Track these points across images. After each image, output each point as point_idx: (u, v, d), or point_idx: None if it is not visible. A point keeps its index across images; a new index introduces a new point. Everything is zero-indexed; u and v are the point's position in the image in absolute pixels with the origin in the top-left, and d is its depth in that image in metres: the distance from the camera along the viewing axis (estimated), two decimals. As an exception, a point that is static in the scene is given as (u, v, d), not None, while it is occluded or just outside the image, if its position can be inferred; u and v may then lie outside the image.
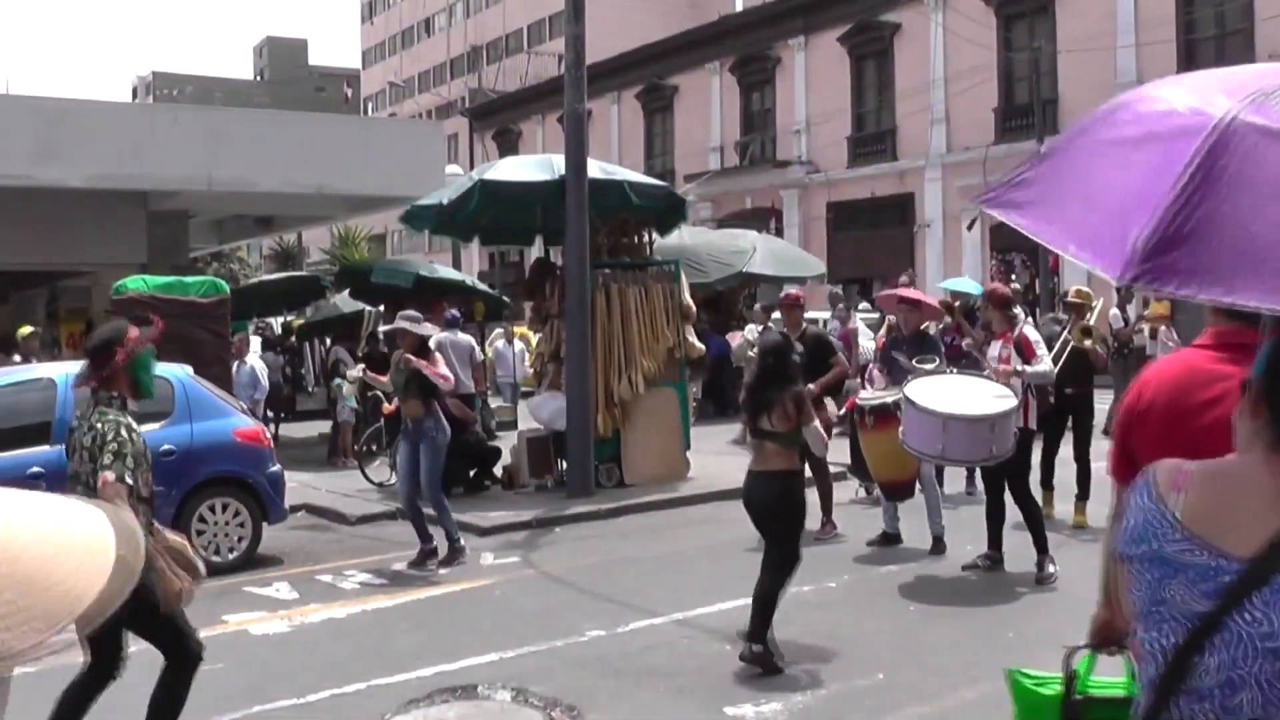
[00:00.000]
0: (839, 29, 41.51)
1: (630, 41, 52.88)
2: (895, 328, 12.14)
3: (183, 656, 5.84)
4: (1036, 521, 9.78)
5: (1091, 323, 12.24)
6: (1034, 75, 32.97)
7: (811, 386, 11.23)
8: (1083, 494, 11.68)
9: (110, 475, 5.48)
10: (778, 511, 7.64)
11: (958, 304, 13.27)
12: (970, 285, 17.63)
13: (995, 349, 10.22)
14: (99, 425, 5.63)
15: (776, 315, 19.78)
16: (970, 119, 36.76)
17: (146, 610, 5.40)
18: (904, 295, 11.86)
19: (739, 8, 52.11)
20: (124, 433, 5.62)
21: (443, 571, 10.70)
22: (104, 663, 5.68)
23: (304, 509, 13.92)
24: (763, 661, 7.24)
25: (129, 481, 5.54)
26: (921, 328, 11.40)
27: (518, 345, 24.57)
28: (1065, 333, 12.10)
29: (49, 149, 19.23)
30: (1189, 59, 31.43)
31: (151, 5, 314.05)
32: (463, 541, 11.10)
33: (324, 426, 19.95)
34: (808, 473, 11.57)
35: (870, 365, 13.00)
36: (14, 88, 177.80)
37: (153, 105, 79.37)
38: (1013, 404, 9.48)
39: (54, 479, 10.13)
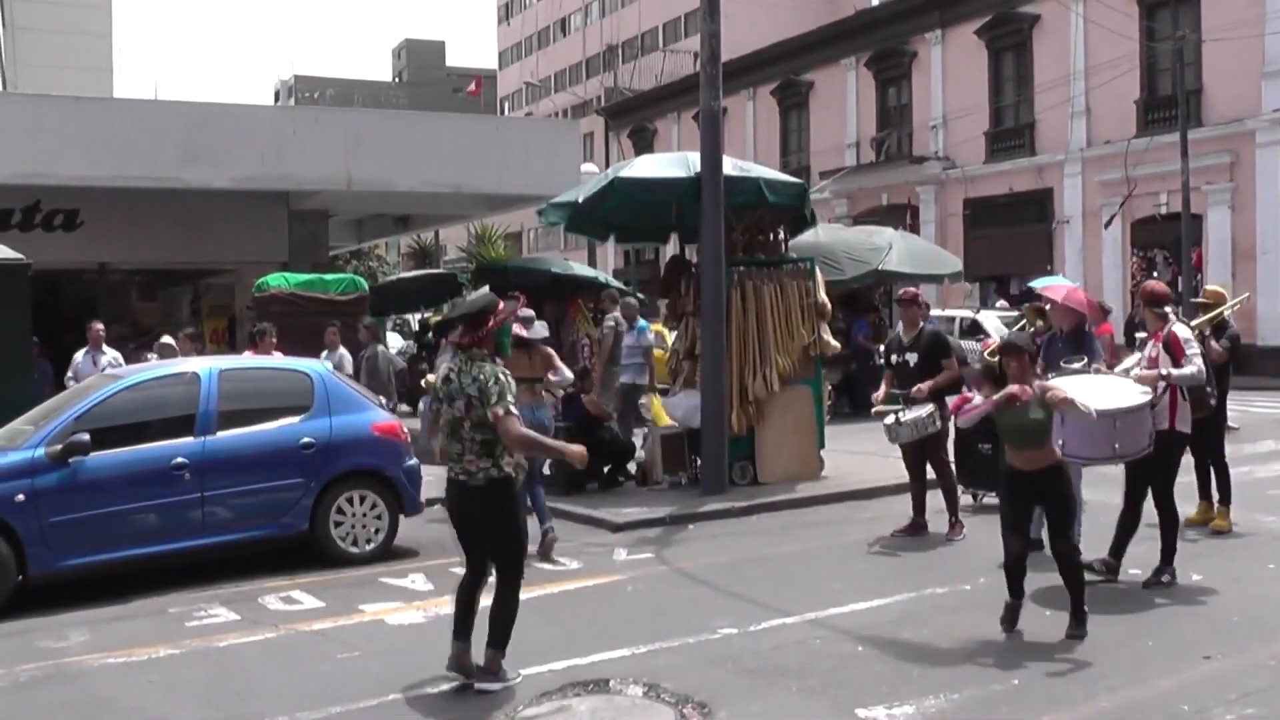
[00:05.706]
0: (976, 22, 40.89)
1: (765, 38, 52.68)
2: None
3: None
4: (1174, 530, 9.42)
5: (1204, 318, 11.38)
6: (1178, 65, 32.06)
7: (922, 387, 11.11)
8: (1224, 498, 11.33)
9: (500, 410, 6.87)
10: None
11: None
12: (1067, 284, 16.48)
13: (1147, 350, 9.56)
14: (480, 375, 6.95)
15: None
16: (1111, 111, 35.95)
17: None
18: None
19: (874, 2, 51.61)
20: (502, 377, 6.99)
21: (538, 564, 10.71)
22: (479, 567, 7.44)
23: (440, 502, 14.07)
24: None
25: (514, 411, 6.94)
26: (1079, 328, 11.04)
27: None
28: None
29: (195, 152, 19.76)
30: (1343, 47, 30.46)
31: (293, 11, 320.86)
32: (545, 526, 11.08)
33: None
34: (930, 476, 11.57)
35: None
36: (162, 93, 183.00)
37: (294, 108, 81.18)
38: (1139, 401, 8.86)
39: (197, 470, 10.40)
